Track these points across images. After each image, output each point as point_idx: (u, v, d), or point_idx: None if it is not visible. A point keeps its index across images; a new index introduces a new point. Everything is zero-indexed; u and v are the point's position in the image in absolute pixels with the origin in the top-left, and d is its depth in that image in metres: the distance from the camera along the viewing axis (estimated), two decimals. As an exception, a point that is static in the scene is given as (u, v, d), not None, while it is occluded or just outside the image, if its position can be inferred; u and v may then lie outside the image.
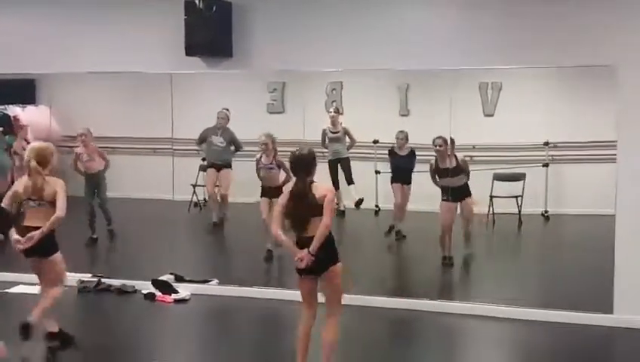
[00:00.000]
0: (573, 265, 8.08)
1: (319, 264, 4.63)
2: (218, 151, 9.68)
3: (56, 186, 5.42)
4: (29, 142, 10.19)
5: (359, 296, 6.62)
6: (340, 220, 10.53)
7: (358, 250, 8.87)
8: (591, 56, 6.35)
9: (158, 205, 10.60)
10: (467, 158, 8.32)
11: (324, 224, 4.60)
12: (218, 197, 9.73)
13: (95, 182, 9.34)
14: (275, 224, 4.72)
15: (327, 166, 10.44)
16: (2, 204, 5.58)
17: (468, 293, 7.52)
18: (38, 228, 5.35)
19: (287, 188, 4.83)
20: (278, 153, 8.53)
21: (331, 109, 10.54)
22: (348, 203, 10.57)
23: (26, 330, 5.31)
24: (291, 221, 4.71)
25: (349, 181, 10.56)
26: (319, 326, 4.81)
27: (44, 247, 5.44)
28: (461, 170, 8.07)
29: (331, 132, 10.48)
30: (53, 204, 5.38)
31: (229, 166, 9.68)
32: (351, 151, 10.60)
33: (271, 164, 8.49)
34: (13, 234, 5.39)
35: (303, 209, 4.65)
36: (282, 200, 4.76)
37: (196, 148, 10.19)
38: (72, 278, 7.50)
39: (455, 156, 8.13)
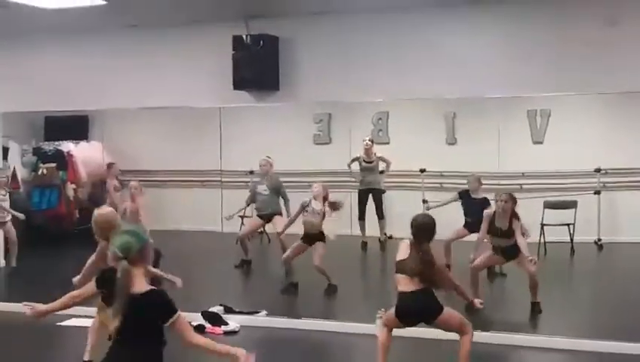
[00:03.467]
0: (628, 295, 7.87)
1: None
2: (263, 199, 9.21)
3: None
4: (120, 181, 10.46)
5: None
6: (373, 251, 10.42)
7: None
8: (642, 81, 6.26)
9: (206, 237, 10.70)
10: (515, 193, 7.39)
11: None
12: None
13: None
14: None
15: (358, 195, 10.30)
16: None
17: (519, 324, 7.37)
18: None
19: (404, 248, 5.19)
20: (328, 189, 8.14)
21: (366, 138, 10.35)
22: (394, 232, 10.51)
23: None
24: (419, 277, 5.08)
25: (380, 215, 10.32)
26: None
27: None
28: (511, 235, 7.09)
29: (365, 161, 10.34)
30: None
31: (278, 213, 9.17)
32: (397, 180, 10.54)
33: (321, 208, 7.97)
34: None
35: (425, 268, 5.08)
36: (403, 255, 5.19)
37: (245, 180, 10.21)
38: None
39: (511, 218, 7.10)
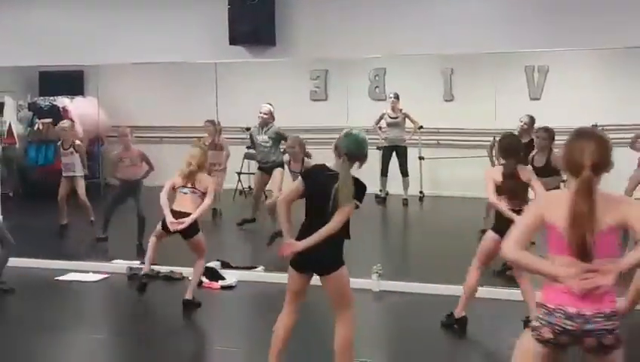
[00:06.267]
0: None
1: None
2: (265, 152, 8.98)
3: (208, 181, 6.41)
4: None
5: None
6: (384, 207, 10.52)
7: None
8: (640, 37, 6.23)
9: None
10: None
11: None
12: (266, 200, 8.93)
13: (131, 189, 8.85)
14: (492, 194, 5.47)
15: (382, 151, 10.24)
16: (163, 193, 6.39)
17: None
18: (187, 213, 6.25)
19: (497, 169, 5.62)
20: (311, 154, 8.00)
21: (391, 94, 10.40)
22: (395, 190, 10.53)
23: (187, 306, 6.35)
24: (508, 196, 5.48)
25: (404, 173, 10.32)
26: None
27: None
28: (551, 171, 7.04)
29: (390, 117, 10.36)
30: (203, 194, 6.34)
31: (280, 165, 8.72)
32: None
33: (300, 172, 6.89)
34: (168, 216, 6.24)
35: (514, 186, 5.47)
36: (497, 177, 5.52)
37: (242, 137, 10.17)
38: (122, 265, 7.70)
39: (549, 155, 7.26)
